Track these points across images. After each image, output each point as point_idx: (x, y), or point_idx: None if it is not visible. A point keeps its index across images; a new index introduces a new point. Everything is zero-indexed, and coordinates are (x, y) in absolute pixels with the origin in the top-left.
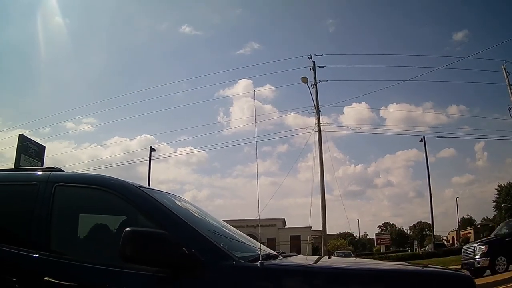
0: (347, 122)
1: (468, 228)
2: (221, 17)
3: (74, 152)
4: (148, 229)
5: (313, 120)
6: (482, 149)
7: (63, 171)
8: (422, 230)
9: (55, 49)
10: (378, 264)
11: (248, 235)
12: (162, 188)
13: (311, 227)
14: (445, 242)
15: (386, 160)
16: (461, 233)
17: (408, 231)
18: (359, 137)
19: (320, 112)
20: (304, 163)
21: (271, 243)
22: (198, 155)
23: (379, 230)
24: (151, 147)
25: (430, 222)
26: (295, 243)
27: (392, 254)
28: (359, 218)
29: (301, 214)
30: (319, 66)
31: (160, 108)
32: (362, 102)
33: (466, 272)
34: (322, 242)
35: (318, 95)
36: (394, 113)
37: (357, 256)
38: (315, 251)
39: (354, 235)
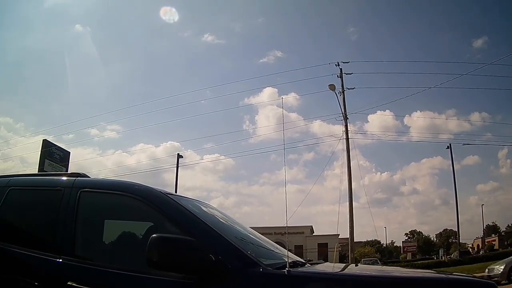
0: (371, 130)
1: (493, 235)
2: (243, 25)
3: (99, 159)
4: (175, 236)
5: (338, 128)
6: (505, 156)
7: (88, 177)
8: (448, 237)
9: (78, 56)
10: (404, 271)
11: (275, 242)
12: (189, 195)
13: (338, 234)
14: (470, 249)
15: (411, 167)
16: (486, 240)
17: (434, 239)
18: (384, 145)
19: (348, 120)
20: (330, 171)
21: (298, 250)
22: (224, 162)
23: (406, 238)
24: (178, 153)
25: (456, 230)
26: (323, 250)
27: (418, 262)
28: (386, 226)
29: (328, 221)
30: (346, 73)
31: (185, 116)
32: (387, 110)
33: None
34: (350, 250)
35: (345, 102)
36: (418, 121)
37: (384, 263)
38: (342, 258)
39: (381, 242)
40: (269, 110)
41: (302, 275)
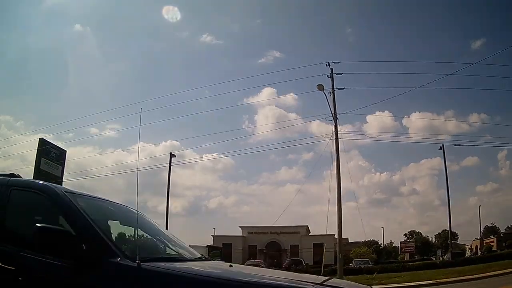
0: (370, 130)
1: (492, 236)
2: (240, 26)
3: (98, 157)
4: (54, 227)
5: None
6: (505, 157)
7: (21, 177)
8: (447, 238)
9: (78, 55)
10: (260, 276)
11: (270, 242)
12: (189, 194)
13: (333, 234)
14: (469, 250)
15: (410, 168)
16: (485, 241)
17: (433, 239)
18: (383, 146)
19: (337, 120)
20: (330, 170)
21: (294, 249)
22: (224, 162)
23: (405, 238)
24: (171, 153)
25: (455, 230)
26: (318, 250)
27: (409, 263)
28: (384, 226)
29: (328, 221)
30: (336, 74)
31: (184, 115)
32: (385, 111)
33: None
34: (338, 250)
35: (335, 102)
36: (417, 122)
37: (376, 264)
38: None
39: (379, 243)
40: (268, 110)
41: (151, 269)
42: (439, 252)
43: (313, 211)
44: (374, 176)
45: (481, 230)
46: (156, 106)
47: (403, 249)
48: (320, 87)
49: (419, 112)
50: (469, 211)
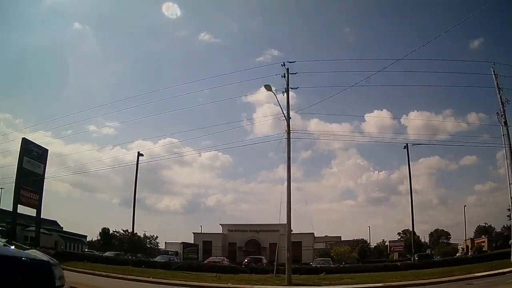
0: (369, 130)
1: (483, 236)
2: (239, 25)
3: (97, 154)
4: None
5: (336, 126)
6: (503, 157)
7: None
8: (439, 237)
9: (77, 54)
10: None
11: (250, 239)
12: (187, 192)
13: (313, 233)
14: (461, 250)
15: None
16: (476, 241)
17: (427, 239)
18: (381, 145)
19: (290, 119)
20: (328, 169)
21: (273, 248)
22: (222, 159)
23: (398, 237)
24: (138, 152)
25: (446, 230)
26: (297, 248)
27: (371, 265)
28: (383, 225)
29: (325, 219)
30: (291, 73)
31: (183, 113)
32: (383, 110)
33: None
34: (287, 248)
35: (289, 102)
36: (415, 121)
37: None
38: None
39: (368, 242)
40: (266, 108)
41: None
42: (428, 251)
43: (312, 209)
44: (372, 175)
45: (466, 230)
46: (155, 104)
47: (392, 248)
48: (268, 88)
49: (417, 111)
50: (468, 210)
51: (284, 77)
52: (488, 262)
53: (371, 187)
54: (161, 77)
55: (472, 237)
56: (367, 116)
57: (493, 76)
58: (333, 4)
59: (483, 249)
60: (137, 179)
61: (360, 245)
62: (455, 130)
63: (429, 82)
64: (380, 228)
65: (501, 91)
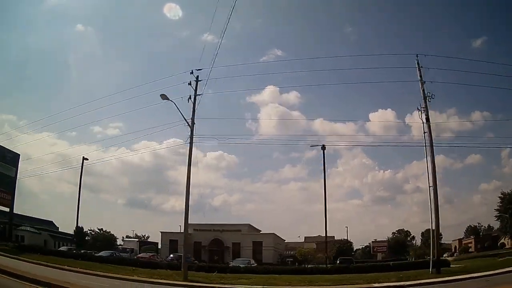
0: (373, 130)
1: (472, 237)
2: (242, 25)
3: (101, 155)
4: None
5: (339, 126)
6: (508, 156)
7: None
8: (429, 237)
9: (80, 55)
10: None
11: (214, 239)
12: (193, 192)
13: (273, 233)
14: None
15: (413, 166)
16: (463, 242)
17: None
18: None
19: (194, 125)
20: (334, 168)
21: (235, 247)
22: (228, 160)
23: (393, 237)
24: (83, 157)
25: (453, 229)
26: (257, 248)
27: (283, 267)
28: (389, 224)
29: (329, 218)
30: (199, 80)
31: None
32: (388, 109)
33: None
34: (184, 245)
35: (195, 108)
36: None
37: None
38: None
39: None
40: (270, 108)
41: None
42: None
43: (317, 209)
44: (377, 174)
45: (438, 231)
46: (159, 104)
47: (375, 249)
48: (163, 97)
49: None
50: (474, 209)
51: (191, 84)
52: (406, 272)
53: (376, 186)
54: (163, 77)
55: (460, 237)
56: (372, 115)
57: (417, 68)
58: (334, 4)
59: (470, 250)
60: (81, 182)
61: (337, 245)
62: (459, 129)
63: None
64: (386, 227)
65: (423, 85)
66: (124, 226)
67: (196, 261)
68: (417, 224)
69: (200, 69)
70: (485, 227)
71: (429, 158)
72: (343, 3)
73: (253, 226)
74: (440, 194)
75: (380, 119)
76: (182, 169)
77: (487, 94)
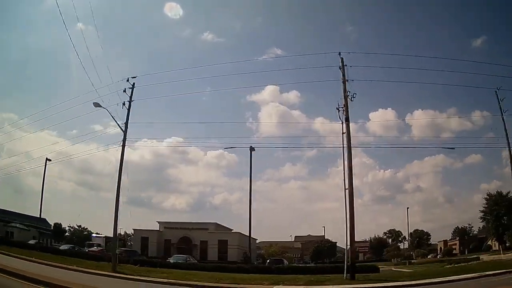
0: (374, 129)
1: (457, 238)
2: (242, 24)
3: (102, 154)
4: None
5: (338, 126)
6: (508, 155)
7: None
8: (419, 238)
9: (80, 54)
10: None
11: (182, 237)
12: (193, 190)
13: (239, 232)
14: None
15: (414, 165)
16: (448, 243)
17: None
18: (386, 144)
19: (126, 130)
20: (334, 168)
21: (203, 245)
22: (228, 158)
23: (384, 237)
24: (46, 158)
25: (426, 230)
26: (222, 246)
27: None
28: (389, 223)
29: (329, 218)
30: (133, 87)
31: (187, 112)
32: (390, 109)
33: None
34: (114, 241)
35: (129, 112)
36: (420, 120)
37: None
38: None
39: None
40: (271, 108)
41: None
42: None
43: (317, 208)
44: (378, 173)
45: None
46: (159, 103)
47: (357, 249)
48: (96, 104)
49: (422, 110)
50: (473, 209)
51: (125, 91)
52: (322, 275)
53: (376, 185)
54: (165, 76)
55: (446, 238)
56: (372, 115)
57: (341, 68)
58: (334, 3)
59: (454, 252)
60: (44, 184)
61: (316, 245)
62: (459, 129)
63: (432, 81)
64: (386, 226)
65: (346, 83)
66: (123, 224)
67: (143, 256)
68: (418, 224)
69: (135, 77)
70: (480, 227)
71: (346, 160)
72: (343, 2)
73: (221, 225)
74: (440, 193)
75: (381, 119)
76: (182, 167)
77: (486, 93)
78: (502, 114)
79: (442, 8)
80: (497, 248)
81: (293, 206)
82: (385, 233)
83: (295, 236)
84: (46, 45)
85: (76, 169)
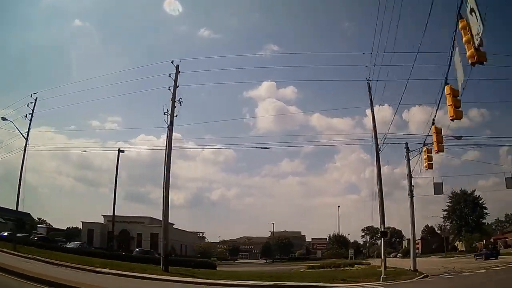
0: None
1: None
2: (239, 20)
3: (100, 150)
4: None
5: (336, 121)
6: (506, 152)
7: None
8: (391, 236)
9: (78, 51)
10: None
11: (122, 230)
12: (191, 186)
13: (173, 224)
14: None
15: (411, 162)
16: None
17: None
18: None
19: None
20: (332, 163)
21: (139, 238)
22: (225, 154)
23: (363, 234)
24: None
25: (398, 229)
26: (154, 239)
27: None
28: (386, 220)
29: (328, 213)
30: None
31: (185, 108)
32: (386, 104)
33: None
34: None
35: (31, 122)
36: (417, 115)
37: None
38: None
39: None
40: (268, 103)
41: None
42: (351, 251)
43: (315, 203)
44: (375, 169)
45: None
46: (155, 99)
47: (314, 246)
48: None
49: (418, 106)
50: None
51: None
52: (147, 265)
53: (374, 181)
54: (162, 72)
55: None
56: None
57: (174, 74)
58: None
59: (416, 251)
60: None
61: (265, 242)
62: (456, 126)
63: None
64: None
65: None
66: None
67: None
68: (416, 220)
69: (36, 92)
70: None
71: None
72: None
73: (155, 219)
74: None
75: (377, 115)
76: (180, 163)
77: (485, 91)
78: None
79: (442, 8)
80: (462, 248)
81: (291, 201)
82: (362, 230)
83: (270, 232)
84: (45, 41)
85: (75, 164)
